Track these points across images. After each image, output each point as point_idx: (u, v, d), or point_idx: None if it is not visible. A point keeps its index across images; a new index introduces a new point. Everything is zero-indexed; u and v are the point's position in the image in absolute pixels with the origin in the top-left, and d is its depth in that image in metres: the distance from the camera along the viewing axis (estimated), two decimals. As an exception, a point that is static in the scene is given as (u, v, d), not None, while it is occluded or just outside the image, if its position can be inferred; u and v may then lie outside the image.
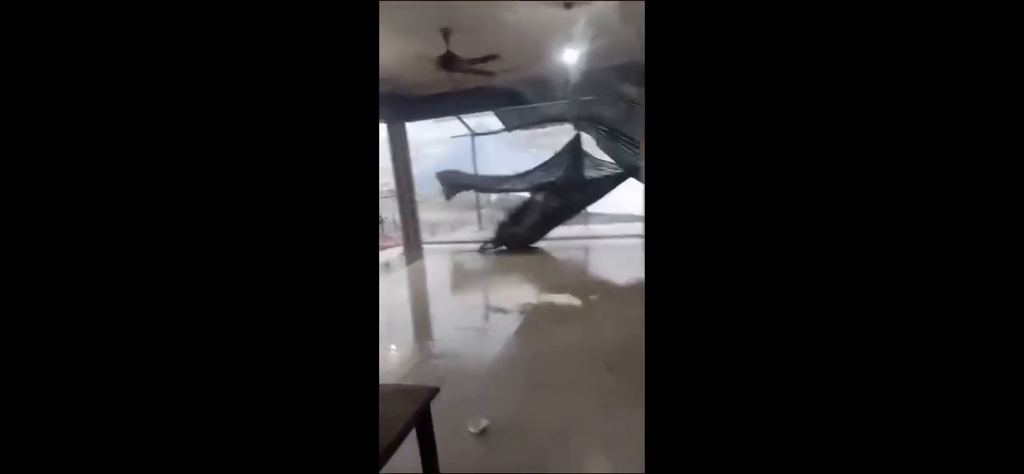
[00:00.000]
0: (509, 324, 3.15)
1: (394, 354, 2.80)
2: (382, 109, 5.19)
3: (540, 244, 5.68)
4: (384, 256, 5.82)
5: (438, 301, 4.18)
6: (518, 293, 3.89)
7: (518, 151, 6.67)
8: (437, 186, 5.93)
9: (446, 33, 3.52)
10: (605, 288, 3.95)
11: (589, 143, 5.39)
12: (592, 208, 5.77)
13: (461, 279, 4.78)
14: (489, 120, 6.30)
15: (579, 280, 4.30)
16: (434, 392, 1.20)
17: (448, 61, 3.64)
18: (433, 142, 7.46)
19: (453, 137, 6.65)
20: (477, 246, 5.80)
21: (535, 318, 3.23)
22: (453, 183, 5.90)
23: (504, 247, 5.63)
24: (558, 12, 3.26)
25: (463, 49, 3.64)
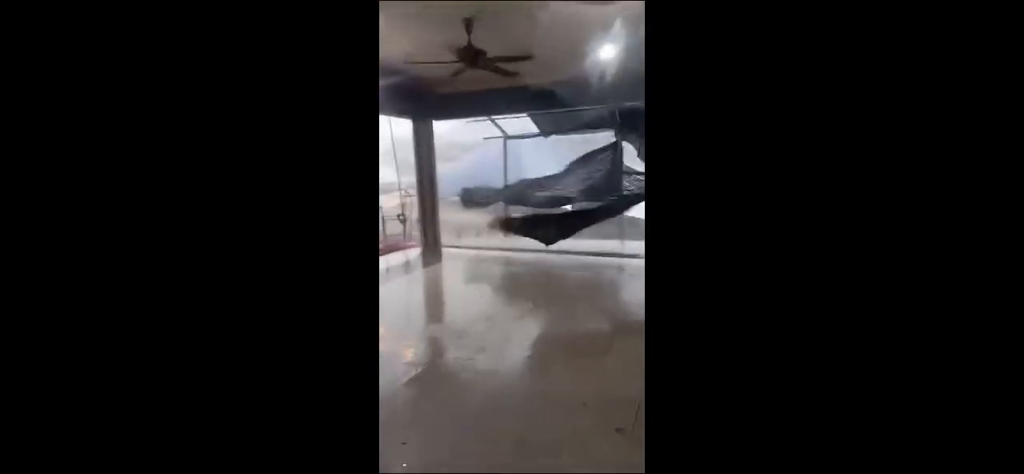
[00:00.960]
0: (512, 355, 2.75)
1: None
2: (406, 105, 5.00)
3: (568, 258, 5.22)
4: (403, 256, 5.63)
5: (442, 312, 3.86)
6: (531, 317, 3.47)
7: (555, 156, 6.24)
8: (463, 188, 5.62)
9: (469, 24, 3.19)
10: (635, 323, 3.33)
11: (629, 153, 4.85)
12: (632, 221, 5.22)
13: (473, 290, 4.44)
14: (527, 122, 5.95)
15: (605, 308, 3.81)
16: None
17: (470, 55, 3.30)
18: (466, 146, 7.21)
19: (485, 139, 6.35)
20: (500, 231, 5.31)
21: (544, 351, 2.80)
22: (476, 200, 5.53)
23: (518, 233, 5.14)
24: (593, 7, 2.84)
25: (490, 42, 3.30)
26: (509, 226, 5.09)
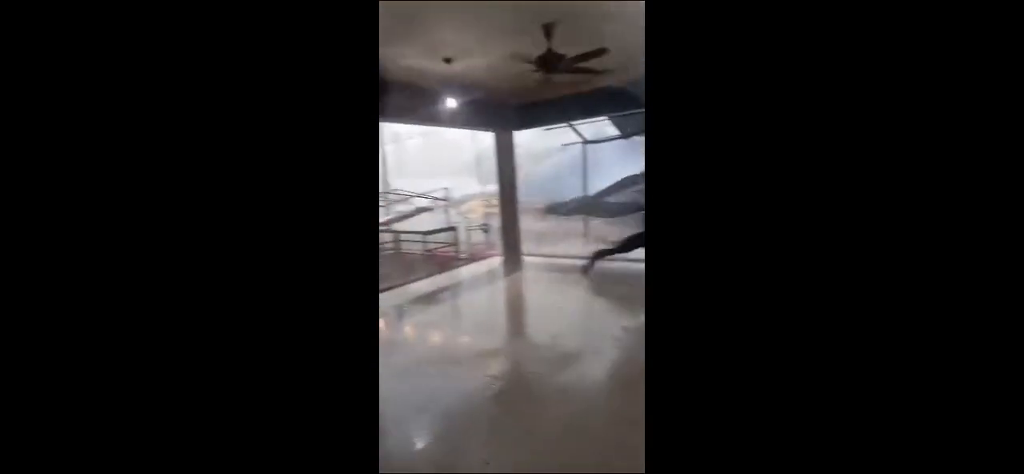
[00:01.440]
0: (593, 370, 2.63)
1: (429, 394, 2.57)
2: (488, 118, 5.15)
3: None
4: (487, 265, 5.79)
5: (523, 323, 3.86)
6: (613, 333, 3.30)
7: (637, 159, 5.95)
8: (544, 196, 5.67)
9: (548, 29, 3.18)
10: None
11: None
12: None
13: (553, 299, 4.38)
14: (606, 127, 5.77)
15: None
16: None
17: (548, 60, 3.29)
18: (545, 153, 7.22)
19: (564, 145, 6.29)
20: (581, 261, 5.29)
21: (630, 375, 2.61)
22: (560, 212, 5.59)
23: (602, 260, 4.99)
24: None
25: (567, 49, 3.25)
26: (595, 262, 4.94)
